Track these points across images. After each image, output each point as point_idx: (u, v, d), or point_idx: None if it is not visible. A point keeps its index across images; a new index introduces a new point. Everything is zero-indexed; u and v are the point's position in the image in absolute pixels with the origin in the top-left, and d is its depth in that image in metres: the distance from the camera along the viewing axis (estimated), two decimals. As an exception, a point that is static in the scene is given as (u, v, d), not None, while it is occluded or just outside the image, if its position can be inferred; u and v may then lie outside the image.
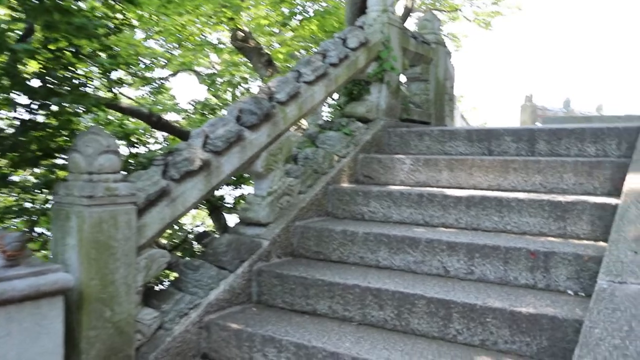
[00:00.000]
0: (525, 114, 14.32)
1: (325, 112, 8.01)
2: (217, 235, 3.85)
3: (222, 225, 6.46)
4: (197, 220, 11.93)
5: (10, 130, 3.77)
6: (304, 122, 9.17)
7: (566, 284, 2.98)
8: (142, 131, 9.38)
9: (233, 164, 3.51)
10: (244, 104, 3.69)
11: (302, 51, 10.95)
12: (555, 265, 3.00)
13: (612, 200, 3.30)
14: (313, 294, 3.34)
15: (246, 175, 5.16)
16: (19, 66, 3.50)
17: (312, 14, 10.33)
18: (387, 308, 3.07)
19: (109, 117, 9.21)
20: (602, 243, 3.18)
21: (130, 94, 10.91)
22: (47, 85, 3.59)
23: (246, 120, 3.63)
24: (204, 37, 11.25)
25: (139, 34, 9.98)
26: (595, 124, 4.11)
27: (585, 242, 3.23)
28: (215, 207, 5.20)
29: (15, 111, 3.73)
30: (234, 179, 5.08)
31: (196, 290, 3.31)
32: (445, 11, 15.39)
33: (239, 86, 11.31)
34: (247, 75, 11.68)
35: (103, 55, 4.09)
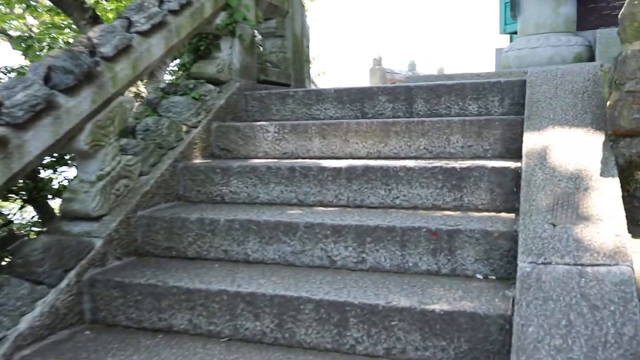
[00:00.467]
0: (375, 77, 14.24)
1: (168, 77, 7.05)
2: (29, 239, 2.89)
3: (49, 219, 5.29)
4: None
5: None
6: (143, 90, 8.06)
7: (474, 267, 2.53)
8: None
9: (44, 140, 2.59)
10: (55, 60, 2.73)
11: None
12: (461, 246, 2.53)
13: (509, 164, 2.90)
14: (167, 305, 2.58)
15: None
16: None
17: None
18: (264, 317, 2.41)
19: None
20: (505, 214, 2.78)
21: None
22: None
23: (59, 82, 2.70)
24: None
25: None
26: (479, 80, 3.74)
27: (486, 214, 2.81)
28: (32, 198, 4.14)
29: None
30: (54, 158, 4.03)
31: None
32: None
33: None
34: (72, 40, 10.17)
35: None
